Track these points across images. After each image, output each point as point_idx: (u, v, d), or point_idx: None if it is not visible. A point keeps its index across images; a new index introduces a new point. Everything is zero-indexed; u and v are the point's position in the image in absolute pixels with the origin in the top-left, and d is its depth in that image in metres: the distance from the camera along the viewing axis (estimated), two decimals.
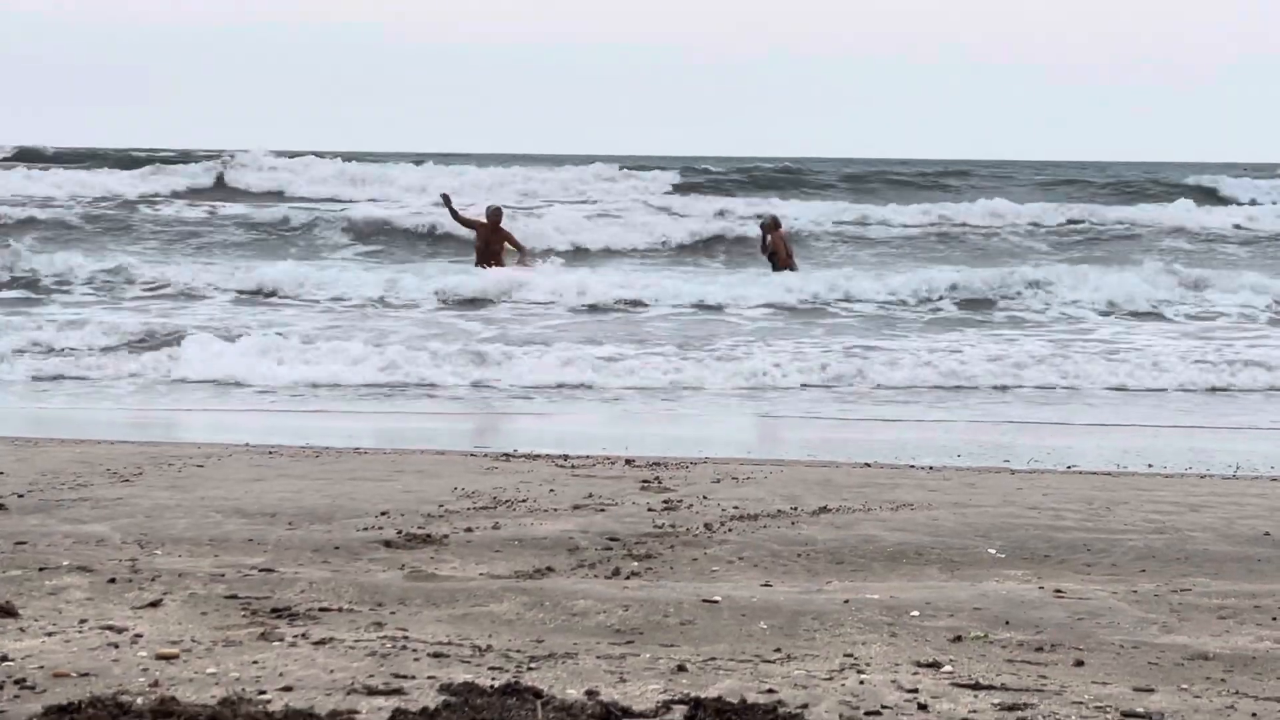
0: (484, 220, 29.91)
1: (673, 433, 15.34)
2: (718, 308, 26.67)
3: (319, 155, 50.84)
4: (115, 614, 6.21)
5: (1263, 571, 7.85)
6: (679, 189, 50.13)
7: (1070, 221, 43.40)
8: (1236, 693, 5.40)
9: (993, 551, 8.15)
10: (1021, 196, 48.10)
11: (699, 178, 53.49)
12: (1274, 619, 6.69)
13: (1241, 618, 6.71)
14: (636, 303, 26.99)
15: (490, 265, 29.02)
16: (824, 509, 9.25)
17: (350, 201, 44.49)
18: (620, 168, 53.64)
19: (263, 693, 5.02)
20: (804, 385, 19.23)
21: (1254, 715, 5.06)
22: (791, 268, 29.66)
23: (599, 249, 37.16)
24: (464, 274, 28.54)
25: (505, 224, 30.25)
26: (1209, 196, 50.87)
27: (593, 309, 26.48)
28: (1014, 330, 24.90)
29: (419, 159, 54.74)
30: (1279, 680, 5.62)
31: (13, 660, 5.39)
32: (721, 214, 42.85)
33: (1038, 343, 22.74)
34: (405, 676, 5.27)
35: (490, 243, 29.40)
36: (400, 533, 8.26)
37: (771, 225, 30.28)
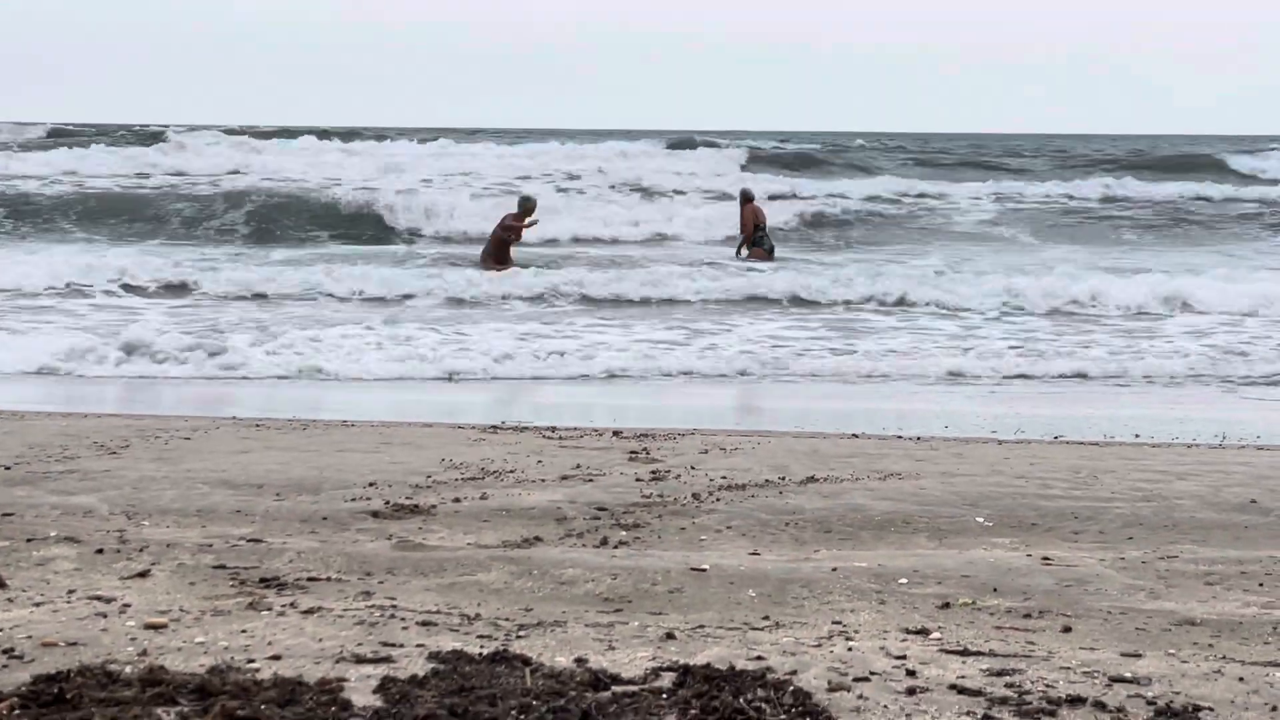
0: (515, 214, 28.78)
1: None
2: None
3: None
4: (103, 584, 6.21)
5: (1249, 538, 7.86)
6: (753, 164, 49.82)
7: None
8: (1223, 657, 5.41)
9: (980, 520, 8.16)
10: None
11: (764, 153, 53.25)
12: (1260, 585, 6.71)
13: (1228, 583, 6.73)
14: None
15: (503, 261, 28.03)
16: (812, 479, 9.26)
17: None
18: (666, 144, 53.50)
19: (251, 661, 5.02)
20: None
21: (1240, 679, 5.06)
22: (761, 241, 29.49)
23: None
24: None
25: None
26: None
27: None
28: None
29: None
30: (1265, 645, 5.64)
31: (1, 630, 5.39)
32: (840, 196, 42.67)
33: None
34: (394, 645, 5.27)
35: (512, 228, 28.42)
36: (388, 503, 8.26)
37: (745, 199, 30.15)
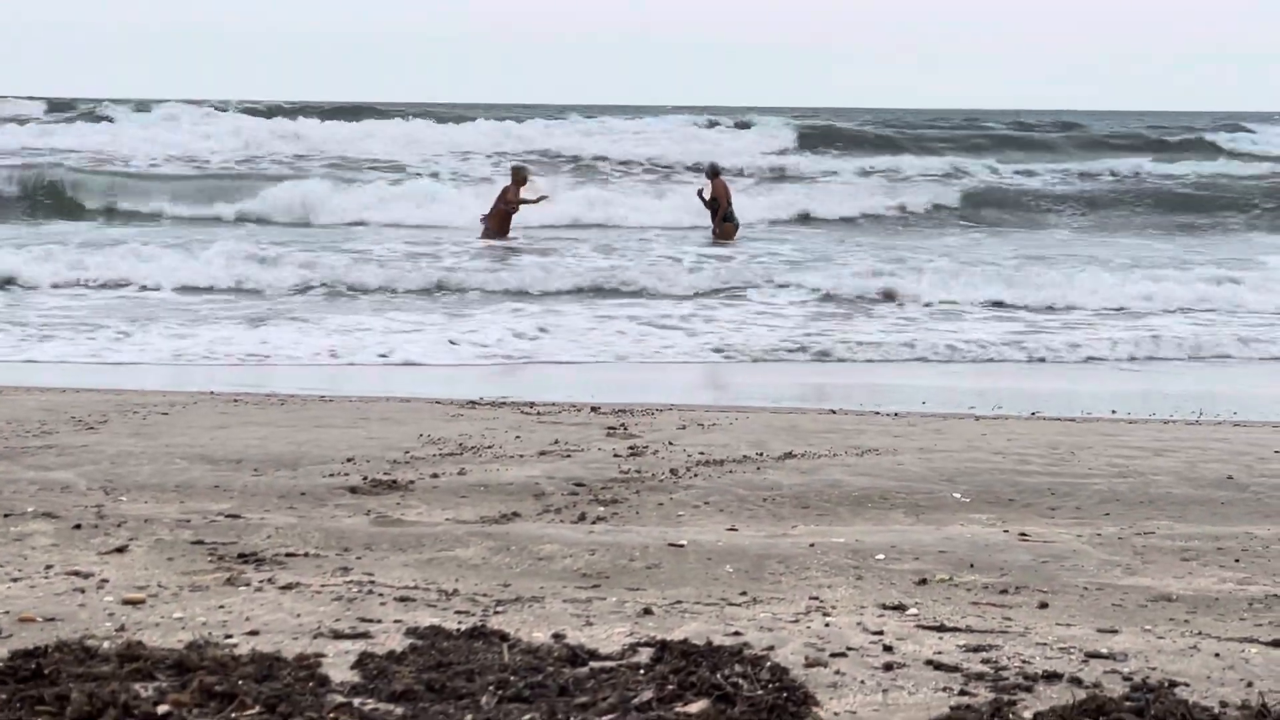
0: (509, 185, 28.76)
1: None
2: None
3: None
4: (81, 560, 6.20)
5: (1225, 514, 7.89)
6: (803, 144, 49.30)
7: None
8: (1199, 633, 5.43)
9: (958, 496, 8.18)
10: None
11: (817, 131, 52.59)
12: (1236, 560, 6.74)
13: (1204, 559, 6.76)
14: None
15: (500, 226, 28.13)
16: (790, 454, 9.27)
17: None
18: (709, 122, 53.01)
19: (229, 637, 5.02)
20: None
21: (1216, 655, 5.09)
22: (730, 217, 29.35)
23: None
24: None
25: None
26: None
27: None
28: None
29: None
30: (1241, 621, 5.66)
31: None
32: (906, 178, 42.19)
33: None
34: (372, 620, 5.28)
35: (513, 202, 28.39)
36: (366, 479, 8.26)
37: (712, 173, 29.99)
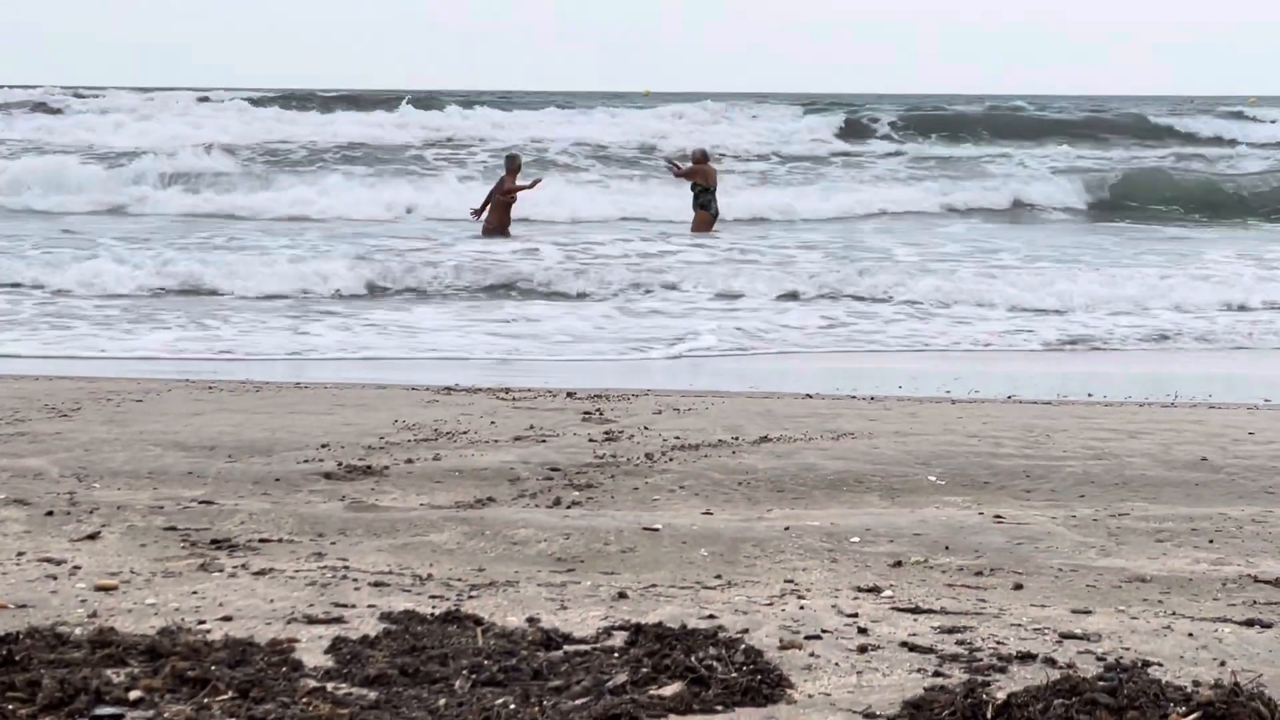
0: (505, 175, 27.93)
1: None
2: None
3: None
4: (53, 546, 6.18)
5: (1199, 495, 7.90)
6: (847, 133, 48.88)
7: None
8: (1173, 613, 5.44)
9: (933, 478, 8.19)
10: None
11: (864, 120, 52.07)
12: (1210, 541, 6.75)
13: (1178, 540, 6.77)
14: None
15: (501, 220, 27.46)
16: (765, 438, 9.27)
17: None
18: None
19: (202, 623, 5.01)
20: None
21: (1190, 635, 5.10)
22: (708, 206, 28.92)
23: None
24: None
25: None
26: None
27: None
28: None
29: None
30: (1215, 601, 5.67)
31: None
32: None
33: None
34: (346, 605, 5.27)
35: (513, 192, 27.63)
36: (341, 464, 8.25)
37: (701, 158, 29.76)
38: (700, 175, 28.94)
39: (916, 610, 5.39)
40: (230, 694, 4.21)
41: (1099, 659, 4.76)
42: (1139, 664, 4.64)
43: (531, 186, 28.07)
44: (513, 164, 28.10)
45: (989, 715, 4.14)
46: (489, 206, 27.77)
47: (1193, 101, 64.96)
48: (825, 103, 59.58)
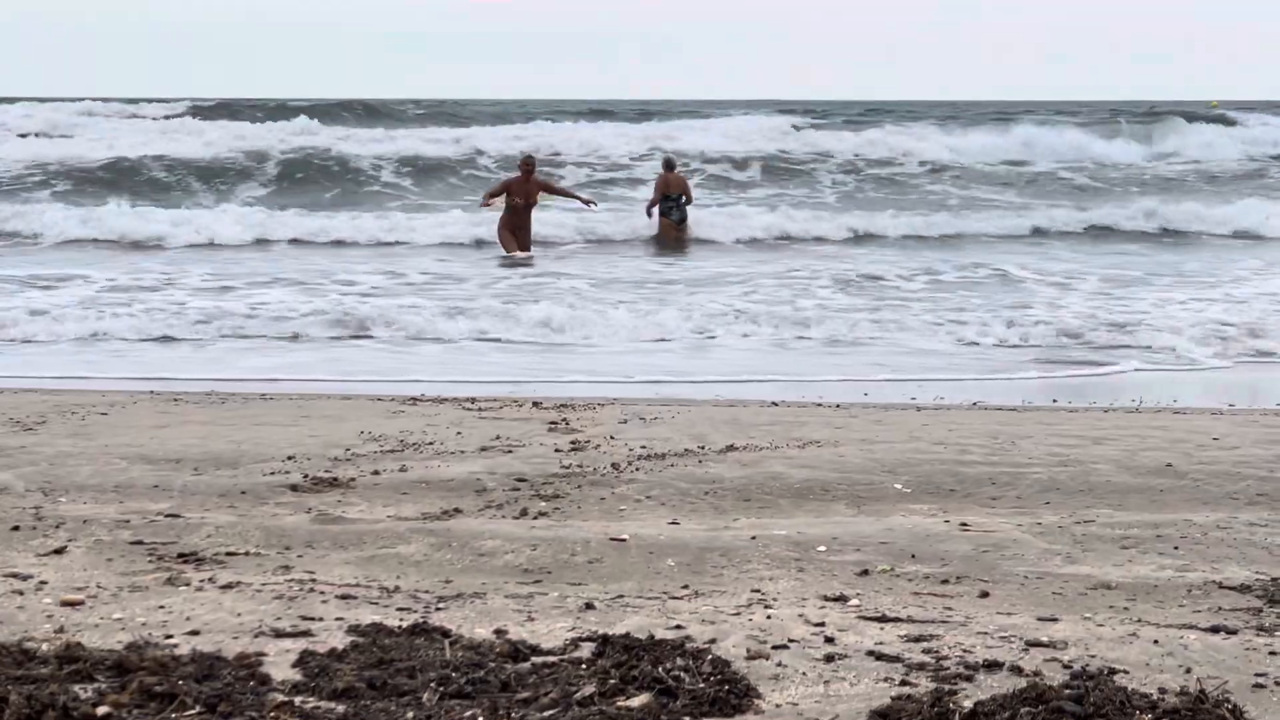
0: (515, 174, 26.60)
1: None
2: None
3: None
4: (19, 561, 6.16)
5: (1164, 501, 7.94)
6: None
7: None
8: (1139, 620, 5.46)
9: (899, 487, 8.20)
10: None
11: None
12: (1175, 548, 6.78)
13: (1144, 547, 6.80)
14: None
15: (523, 230, 26.08)
16: (731, 447, 9.28)
17: None
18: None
19: (169, 637, 5.00)
20: None
21: (1155, 642, 5.11)
22: (669, 213, 28.75)
23: None
24: None
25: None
26: None
27: None
28: None
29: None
30: (1180, 608, 5.70)
31: None
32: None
33: None
34: (313, 618, 5.26)
35: (529, 196, 26.01)
36: (307, 476, 8.24)
37: (666, 166, 29.76)
38: (662, 184, 29.00)
39: (883, 619, 5.41)
40: (198, 709, 4.21)
41: (1065, 666, 4.78)
42: (1105, 671, 4.65)
43: (570, 196, 27.30)
44: (527, 164, 26.57)
45: None
46: (511, 211, 26.15)
47: (1154, 106, 64.43)
48: None
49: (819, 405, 11.94)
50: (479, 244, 27.58)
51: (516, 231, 26.18)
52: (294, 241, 28.71)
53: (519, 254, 25.70)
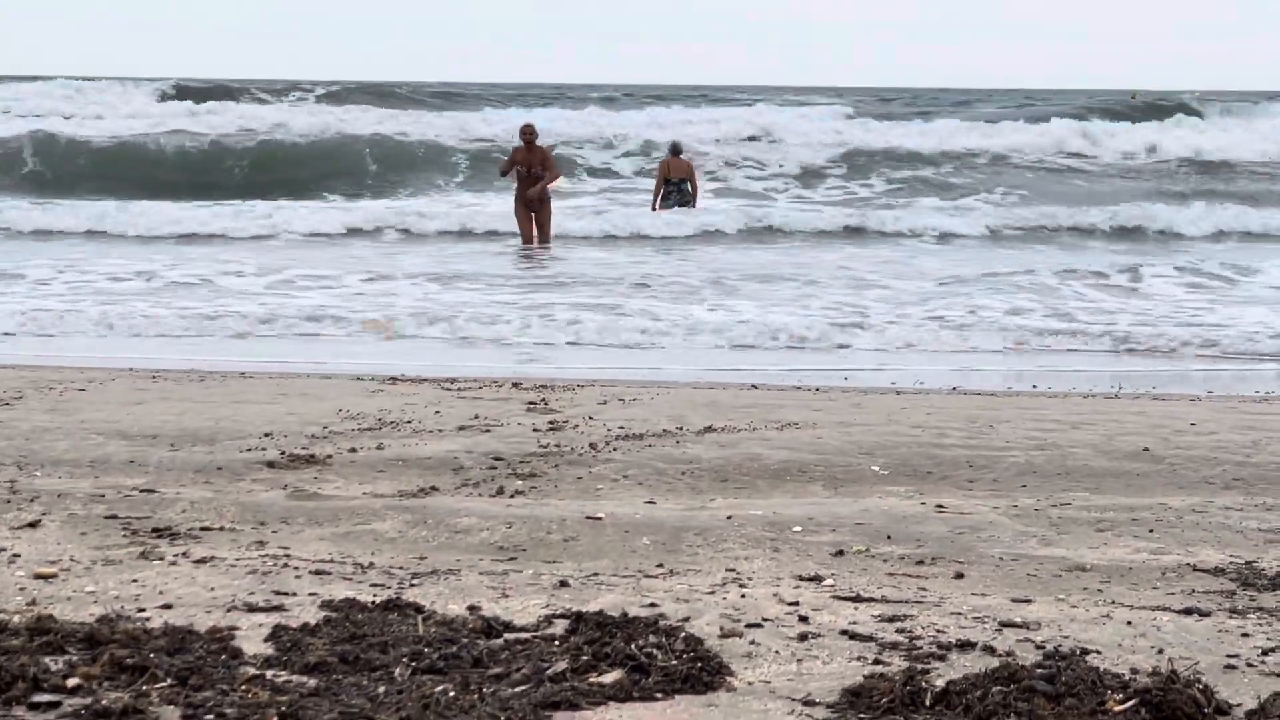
0: (518, 146, 25.01)
1: None
2: None
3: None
4: None
5: (1141, 485, 7.95)
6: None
7: None
8: (1112, 602, 5.47)
9: (876, 468, 8.21)
10: None
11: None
12: (1150, 531, 6.79)
13: (1119, 530, 6.80)
14: None
15: (535, 203, 24.86)
16: (709, 428, 9.28)
17: None
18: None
19: (142, 610, 4.99)
20: None
21: (1128, 623, 5.12)
22: (667, 199, 28.81)
23: None
24: None
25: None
26: None
27: None
28: None
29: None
30: (1154, 589, 5.71)
31: None
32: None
33: None
34: (286, 594, 5.25)
35: (532, 166, 24.58)
36: (283, 453, 8.22)
37: (670, 151, 29.69)
38: (665, 169, 28.99)
39: (857, 599, 5.41)
40: (169, 681, 4.20)
41: (1038, 647, 4.78)
42: (1077, 652, 4.66)
43: (554, 176, 25.39)
44: (527, 134, 24.97)
45: (927, 703, 4.16)
46: (521, 189, 25.07)
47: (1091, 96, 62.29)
48: None
49: (798, 388, 11.94)
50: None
51: (530, 207, 25.03)
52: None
53: (535, 247, 24.61)
